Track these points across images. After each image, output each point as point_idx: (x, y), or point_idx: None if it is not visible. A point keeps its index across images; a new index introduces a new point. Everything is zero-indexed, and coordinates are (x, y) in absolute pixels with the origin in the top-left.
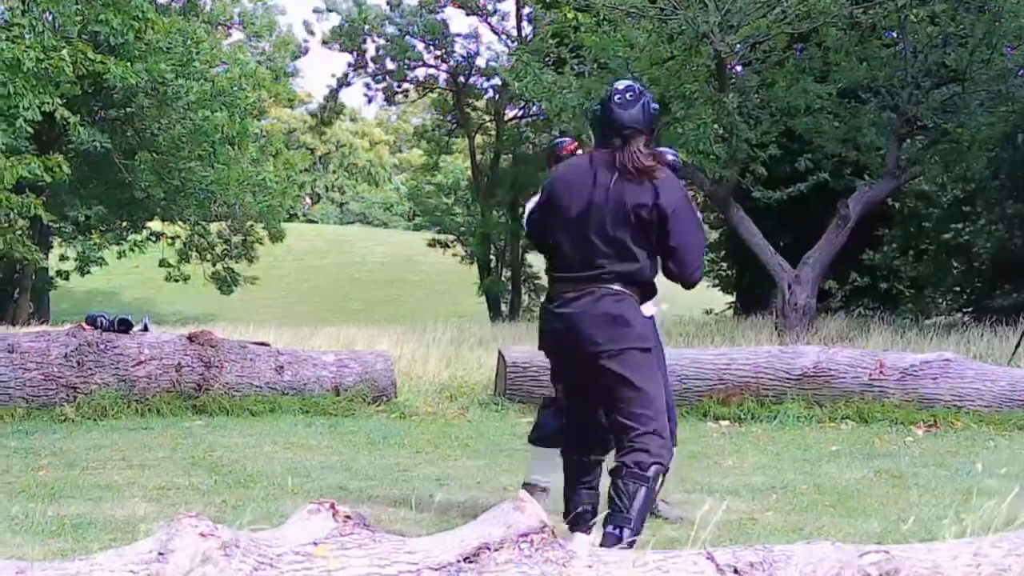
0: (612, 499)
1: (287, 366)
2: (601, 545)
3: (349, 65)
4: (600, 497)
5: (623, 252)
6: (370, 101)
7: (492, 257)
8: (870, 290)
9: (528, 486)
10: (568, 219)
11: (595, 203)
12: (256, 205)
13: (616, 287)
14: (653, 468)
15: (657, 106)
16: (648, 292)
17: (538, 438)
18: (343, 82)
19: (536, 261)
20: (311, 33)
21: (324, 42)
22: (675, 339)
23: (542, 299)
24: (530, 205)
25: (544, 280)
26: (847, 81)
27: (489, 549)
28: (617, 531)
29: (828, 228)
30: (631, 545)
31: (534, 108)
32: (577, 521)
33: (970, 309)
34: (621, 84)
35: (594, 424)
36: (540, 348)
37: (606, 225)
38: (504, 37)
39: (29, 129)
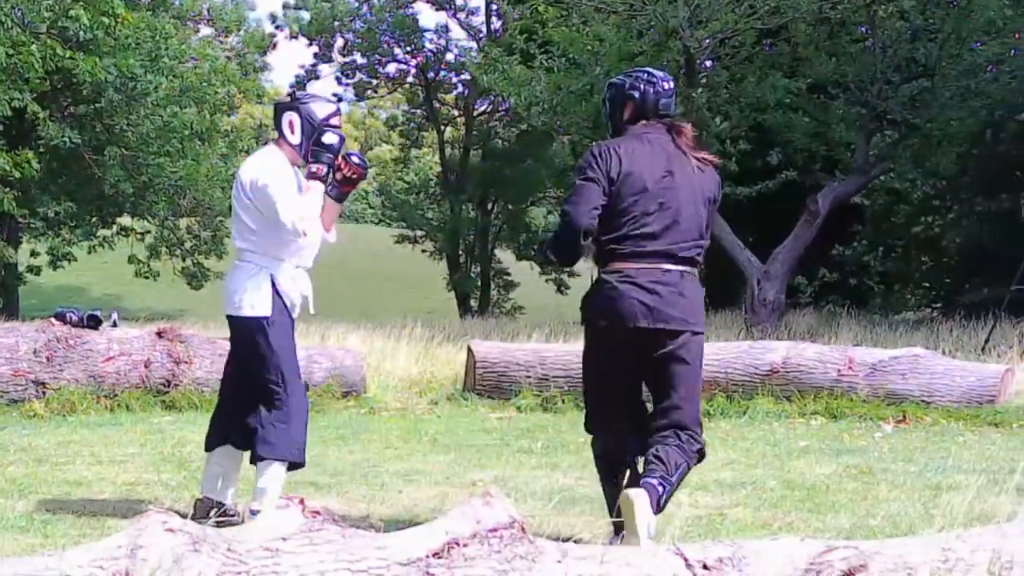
0: (657, 459)
1: None
2: (636, 487)
3: (316, 56)
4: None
5: (697, 235)
6: (340, 100)
7: (461, 253)
8: (839, 286)
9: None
10: (650, 198)
11: (676, 186)
12: (226, 200)
13: (692, 268)
14: (699, 453)
15: None
16: None
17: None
18: (311, 75)
19: (505, 258)
20: (279, 28)
21: (293, 36)
22: None
23: (507, 290)
24: (577, 193)
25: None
26: (816, 76)
27: (458, 544)
28: (661, 486)
29: (798, 224)
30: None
31: (503, 103)
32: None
33: (939, 304)
34: (660, 73)
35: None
36: (603, 322)
37: (687, 208)
38: (473, 32)
39: None
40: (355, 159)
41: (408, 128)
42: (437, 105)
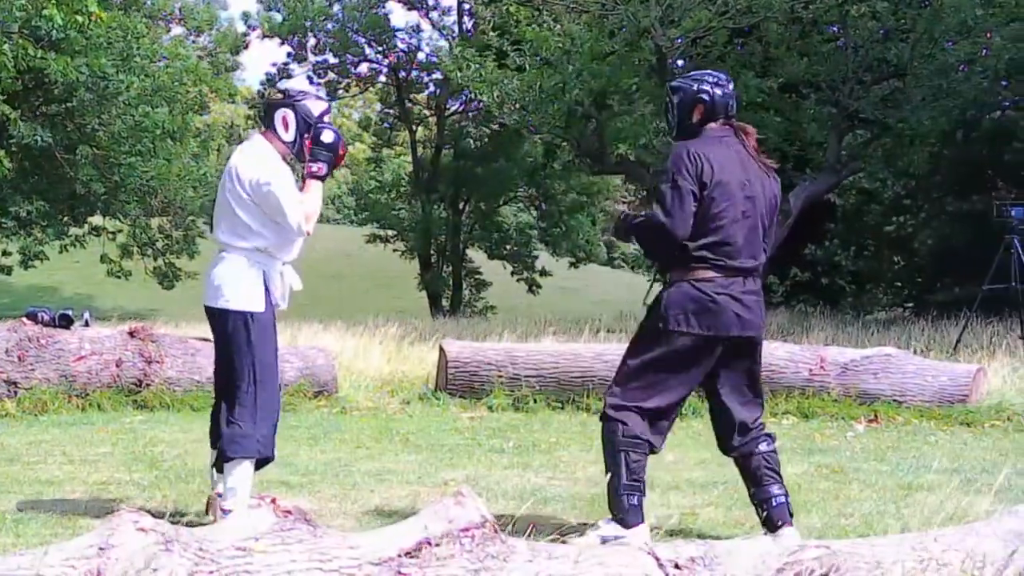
0: (767, 467)
1: None
2: (779, 518)
3: (289, 55)
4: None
5: (766, 242)
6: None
7: (433, 252)
8: (811, 285)
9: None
10: (738, 206)
11: (754, 194)
12: (197, 200)
13: (760, 273)
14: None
15: None
16: None
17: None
18: (283, 74)
19: (477, 257)
20: (251, 27)
21: (265, 35)
22: (618, 335)
23: (485, 294)
24: (671, 199)
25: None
26: (788, 76)
27: (430, 544)
28: (786, 499)
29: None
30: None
31: (475, 103)
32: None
33: (911, 304)
34: (723, 73)
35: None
36: (702, 331)
37: (763, 217)
38: (445, 32)
39: None
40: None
41: (380, 128)
42: (409, 105)
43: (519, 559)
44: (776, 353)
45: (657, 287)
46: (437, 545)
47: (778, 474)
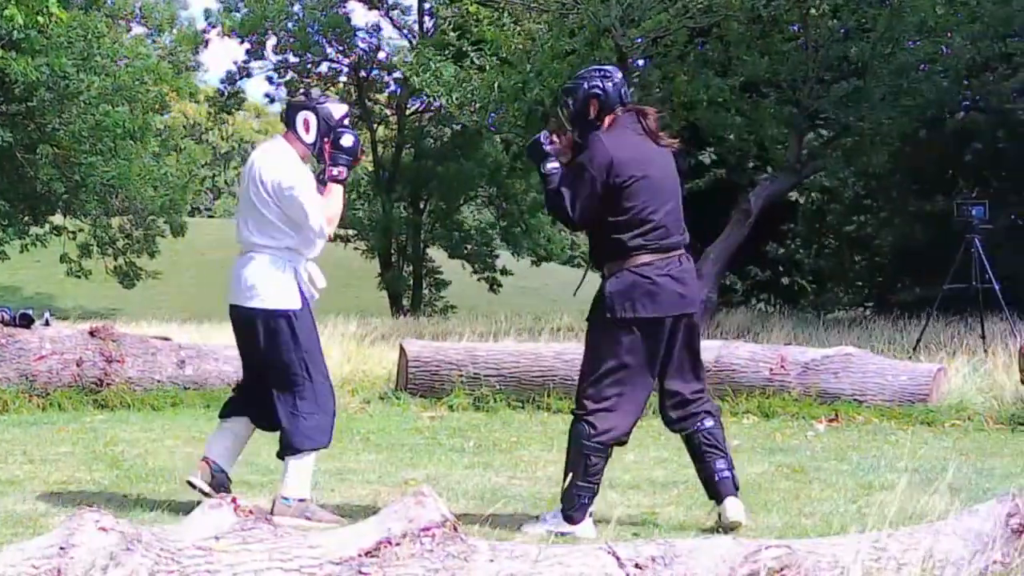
0: (709, 444)
1: (189, 361)
2: (724, 491)
3: (248, 53)
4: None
5: (683, 215)
6: (272, 101)
7: (393, 251)
8: (772, 284)
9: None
10: (653, 189)
11: (665, 174)
12: (158, 199)
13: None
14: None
15: None
16: None
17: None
18: (243, 73)
19: (437, 256)
20: (211, 26)
21: (225, 34)
22: (579, 334)
23: (440, 292)
24: (579, 189)
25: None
26: (749, 75)
27: (390, 543)
28: (731, 473)
29: (730, 222)
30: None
31: (435, 102)
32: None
33: (872, 303)
34: (608, 66)
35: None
36: (647, 315)
37: (675, 192)
38: (406, 31)
39: None
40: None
41: None
42: (369, 104)
43: (480, 558)
44: (737, 352)
45: (592, 276)
46: (397, 545)
47: (721, 449)
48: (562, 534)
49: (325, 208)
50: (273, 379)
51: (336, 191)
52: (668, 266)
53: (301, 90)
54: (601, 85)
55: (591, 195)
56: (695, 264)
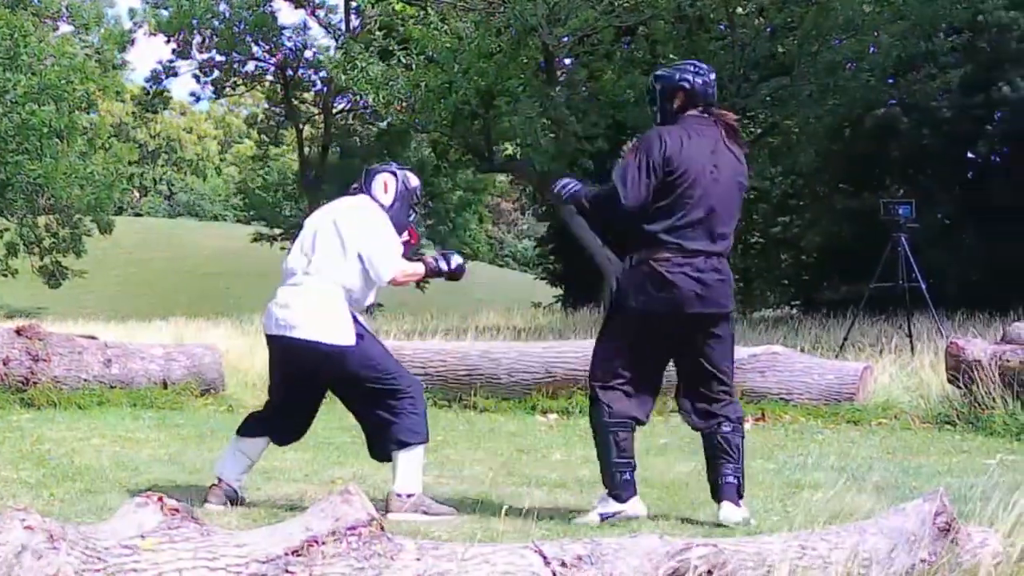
0: (721, 450)
1: (115, 359)
2: (724, 496)
3: (174, 52)
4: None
5: (732, 221)
6: (198, 100)
7: None
8: None
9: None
10: (697, 189)
11: (719, 179)
12: (84, 198)
13: (727, 252)
14: (741, 418)
15: None
16: None
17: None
18: (169, 71)
19: None
20: (138, 25)
21: (152, 33)
22: (504, 332)
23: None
24: (630, 172)
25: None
26: None
27: (317, 542)
28: (736, 480)
29: None
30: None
31: (362, 101)
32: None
33: (799, 302)
34: (704, 64)
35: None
36: (659, 309)
37: (725, 198)
38: (332, 30)
39: None
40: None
41: (267, 126)
42: (296, 103)
43: (406, 557)
44: None
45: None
46: (324, 544)
47: (732, 455)
48: (612, 515)
49: (403, 265)
50: (360, 396)
51: (417, 264)
52: (687, 265)
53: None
54: (691, 80)
55: (641, 177)
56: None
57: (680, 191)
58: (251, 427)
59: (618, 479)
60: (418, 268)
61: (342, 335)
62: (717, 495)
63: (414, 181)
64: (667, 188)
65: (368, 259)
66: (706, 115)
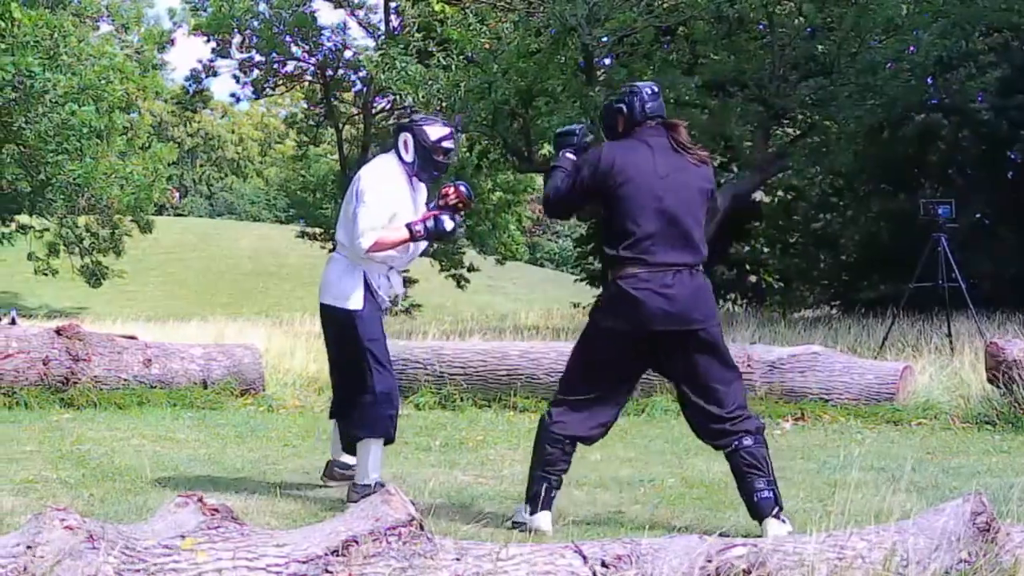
0: (748, 464)
1: (155, 359)
2: (763, 512)
3: (214, 51)
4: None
5: (698, 230)
6: (238, 101)
7: None
8: (738, 283)
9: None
10: (651, 202)
11: (676, 188)
12: (124, 198)
13: (697, 263)
14: (761, 428)
15: None
16: None
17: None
18: (209, 71)
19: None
20: (177, 25)
21: (190, 33)
22: (544, 332)
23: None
24: (563, 182)
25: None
26: (714, 74)
27: (357, 542)
28: (771, 492)
29: None
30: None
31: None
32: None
33: (838, 302)
34: (642, 84)
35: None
36: (623, 327)
37: (686, 206)
38: (372, 30)
39: None
40: (462, 188)
41: (306, 126)
42: (335, 103)
43: (446, 557)
44: None
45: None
46: (363, 543)
47: (760, 468)
48: (520, 524)
49: (381, 230)
50: (344, 370)
51: (401, 233)
52: (653, 280)
53: (408, 111)
54: (627, 101)
55: (573, 190)
56: None
57: (631, 206)
58: (333, 408)
59: (533, 490)
60: (401, 235)
61: (333, 296)
62: (756, 513)
63: (433, 134)
64: (614, 199)
65: (349, 215)
66: (655, 127)
